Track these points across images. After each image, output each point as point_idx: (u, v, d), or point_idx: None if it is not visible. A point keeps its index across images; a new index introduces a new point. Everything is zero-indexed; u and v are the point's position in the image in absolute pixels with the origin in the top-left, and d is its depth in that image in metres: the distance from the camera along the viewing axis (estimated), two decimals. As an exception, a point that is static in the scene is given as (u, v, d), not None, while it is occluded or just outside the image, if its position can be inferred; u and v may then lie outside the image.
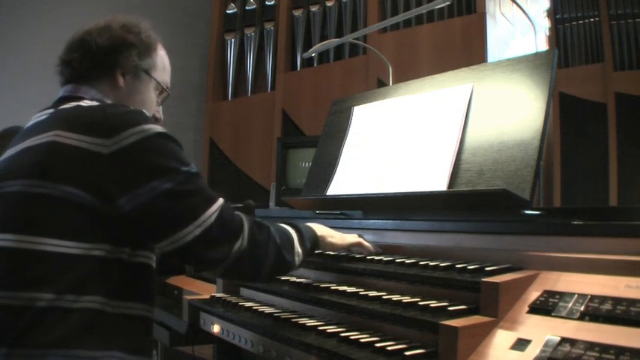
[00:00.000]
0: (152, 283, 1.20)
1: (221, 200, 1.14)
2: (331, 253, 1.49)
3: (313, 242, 1.35)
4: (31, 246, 1.01)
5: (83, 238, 1.03)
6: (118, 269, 1.08)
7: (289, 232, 1.28)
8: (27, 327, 0.98)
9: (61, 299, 1.00)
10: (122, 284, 1.09)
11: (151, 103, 1.34)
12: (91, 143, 1.05)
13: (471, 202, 1.34)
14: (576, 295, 0.94)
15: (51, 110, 1.18)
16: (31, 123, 1.19)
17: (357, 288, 1.30)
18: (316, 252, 1.53)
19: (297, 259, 1.28)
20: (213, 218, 1.10)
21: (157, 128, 1.10)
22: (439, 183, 1.44)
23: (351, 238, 1.44)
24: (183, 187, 1.08)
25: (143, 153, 1.06)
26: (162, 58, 1.37)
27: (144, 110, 1.17)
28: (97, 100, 1.21)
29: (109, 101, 1.23)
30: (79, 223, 1.04)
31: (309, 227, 1.37)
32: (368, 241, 1.45)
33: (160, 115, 1.39)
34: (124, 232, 1.08)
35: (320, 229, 1.40)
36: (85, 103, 1.18)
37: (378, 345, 1.02)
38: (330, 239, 1.41)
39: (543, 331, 0.89)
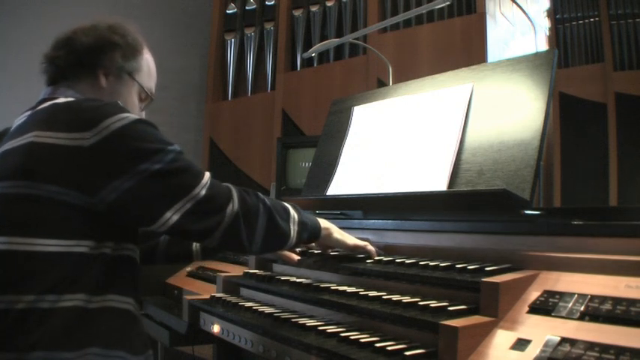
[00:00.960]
0: (137, 277, 1.19)
1: (208, 174, 1.16)
2: (331, 253, 1.49)
3: (314, 227, 1.35)
4: (11, 247, 1.02)
5: (66, 235, 1.04)
6: (101, 265, 1.08)
7: (283, 203, 1.30)
8: (6, 330, 0.97)
9: (41, 300, 1.00)
10: (105, 278, 1.09)
11: (133, 107, 1.33)
12: (70, 139, 1.05)
13: (471, 202, 1.34)
14: (576, 295, 0.94)
15: (29, 112, 1.19)
16: (14, 125, 1.19)
17: (357, 288, 1.29)
18: (318, 252, 1.53)
19: (294, 229, 1.28)
20: (204, 191, 1.12)
21: (134, 116, 1.11)
22: (439, 183, 1.44)
23: (358, 240, 1.43)
24: (173, 165, 1.10)
25: (125, 140, 1.07)
26: (147, 62, 1.36)
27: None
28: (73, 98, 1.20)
29: None
30: (62, 220, 1.04)
31: (313, 217, 1.37)
32: (372, 245, 1.44)
33: None
34: (109, 225, 1.09)
35: (326, 223, 1.40)
36: (61, 100, 1.17)
37: (378, 345, 1.02)
38: (336, 235, 1.40)
39: (543, 331, 0.89)
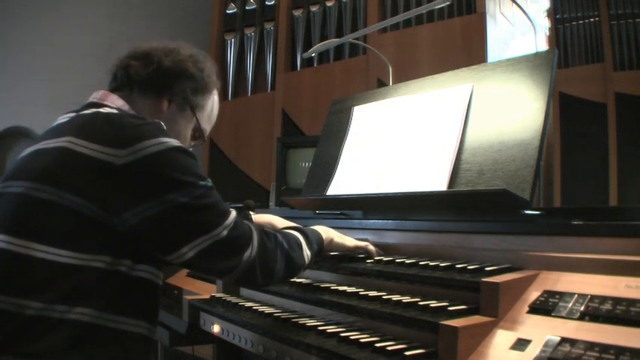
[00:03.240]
0: (155, 301, 1.17)
1: (234, 213, 1.14)
2: (332, 253, 1.49)
3: (319, 244, 1.36)
4: (24, 251, 1.00)
5: (81, 249, 1.01)
6: (115, 282, 1.06)
7: (296, 236, 1.29)
8: (12, 334, 0.96)
9: (50, 309, 0.98)
10: (119, 298, 1.06)
11: (184, 140, 1.32)
12: (104, 153, 1.03)
13: (471, 202, 1.34)
14: (576, 295, 0.94)
15: (72, 114, 1.17)
16: (54, 124, 1.17)
17: (357, 288, 1.30)
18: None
19: (306, 259, 1.29)
20: (225, 232, 1.09)
21: (174, 142, 1.09)
22: (439, 183, 1.44)
23: (358, 241, 1.44)
24: (200, 201, 1.07)
25: (158, 165, 1.04)
26: (212, 105, 1.36)
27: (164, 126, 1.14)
28: (118, 110, 1.18)
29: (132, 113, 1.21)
30: (78, 233, 1.02)
31: (315, 230, 1.37)
32: (372, 245, 1.44)
33: None
34: (126, 244, 1.06)
35: (326, 231, 1.40)
36: (105, 109, 1.15)
37: (378, 345, 1.02)
38: (336, 240, 1.41)
39: (543, 331, 0.89)
